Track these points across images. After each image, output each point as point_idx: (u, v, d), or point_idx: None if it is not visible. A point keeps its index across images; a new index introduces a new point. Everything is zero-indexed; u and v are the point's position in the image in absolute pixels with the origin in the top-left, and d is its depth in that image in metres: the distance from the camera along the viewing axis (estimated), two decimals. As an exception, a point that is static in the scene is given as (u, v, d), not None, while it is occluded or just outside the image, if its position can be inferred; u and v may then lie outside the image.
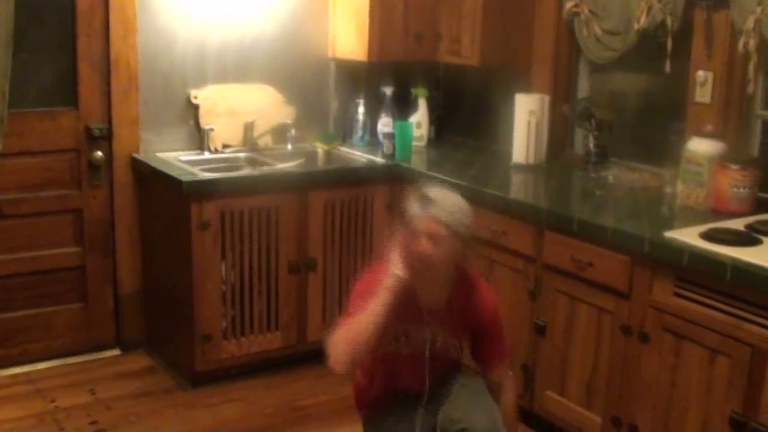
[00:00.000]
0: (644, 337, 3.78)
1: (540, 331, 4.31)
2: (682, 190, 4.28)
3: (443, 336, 3.50)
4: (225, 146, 5.34)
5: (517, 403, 3.80)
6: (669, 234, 3.73)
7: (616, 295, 3.91)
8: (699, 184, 4.19)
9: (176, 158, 5.12)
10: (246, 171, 5.14)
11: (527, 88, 5.29)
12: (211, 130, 5.27)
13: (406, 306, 3.36)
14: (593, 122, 4.90)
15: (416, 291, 3.40)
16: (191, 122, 5.31)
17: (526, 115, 5.07)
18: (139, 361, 5.28)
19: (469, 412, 3.48)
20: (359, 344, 3.28)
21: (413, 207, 3.30)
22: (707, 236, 3.66)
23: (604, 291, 3.97)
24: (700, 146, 4.23)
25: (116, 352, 5.36)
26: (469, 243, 3.42)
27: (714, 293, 3.51)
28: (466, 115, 5.96)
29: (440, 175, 4.84)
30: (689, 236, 3.68)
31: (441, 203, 3.29)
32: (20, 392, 4.84)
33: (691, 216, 4.10)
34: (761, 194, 4.17)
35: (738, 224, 3.87)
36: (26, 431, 4.48)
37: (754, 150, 4.39)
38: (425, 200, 3.29)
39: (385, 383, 3.60)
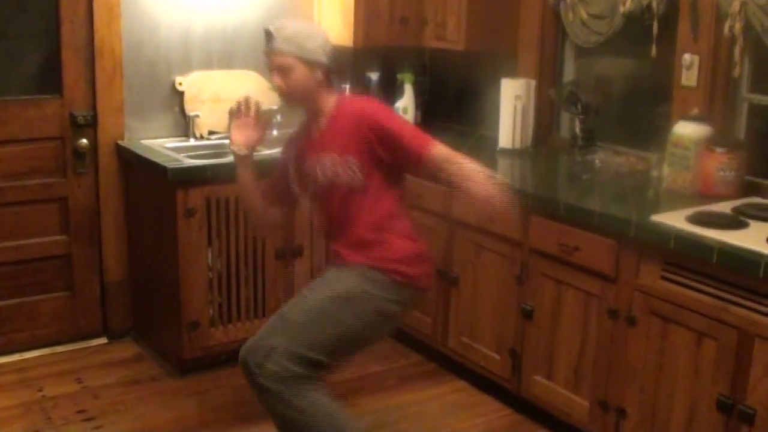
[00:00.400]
0: (631, 321, 3.79)
1: (527, 315, 4.31)
2: (668, 174, 4.28)
3: (330, 161, 3.53)
4: (211, 133, 5.32)
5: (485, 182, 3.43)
6: (655, 218, 3.73)
7: (603, 279, 3.91)
8: (685, 168, 4.19)
9: (161, 145, 5.11)
10: (232, 158, 5.11)
11: (513, 73, 5.28)
12: (197, 116, 5.25)
13: (299, 145, 3.68)
14: (579, 106, 4.89)
15: (307, 126, 3.66)
16: (176, 109, 5.30)
17: (512, 100, 5.07)
18: (127, 349, 5.27)
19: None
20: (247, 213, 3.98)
21: (263, 44, 3.52)
22: (694, 220, 3.66)
23: (591, 275, 3.96)
24: (687, 130, 4.23)
25: (103, 340, 5.35)
26: (323, 63, 3.53)
27: (701, 276, 3.51)
28: (452, 100, 5.95)
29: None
30: (676, 220, 3.68)
31: (280, 34, 3.48)
32: (7, 381, 4.83)
33: (677, 199, 4.10)
34: (748, 177, 4.18)
35: (725, 207, 3.88)
36: (13, 420, 4.46)
37: (741, 133, 4.39)
38: (267, 35, 3.50)
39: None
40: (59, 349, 5.21)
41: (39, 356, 5.14)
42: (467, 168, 3.43)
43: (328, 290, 3.52)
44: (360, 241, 3.55)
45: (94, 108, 5.07)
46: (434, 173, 3.52)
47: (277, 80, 3.51)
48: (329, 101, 3.58)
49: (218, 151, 5.18)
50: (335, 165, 3.52)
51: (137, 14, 5.11)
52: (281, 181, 3.79)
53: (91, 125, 5.08)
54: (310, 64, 3.49)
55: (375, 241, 3.54)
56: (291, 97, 3.57)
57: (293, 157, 3.71)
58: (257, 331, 3.58)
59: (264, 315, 4.95)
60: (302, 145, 3.67)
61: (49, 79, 5.01)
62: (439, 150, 3.47)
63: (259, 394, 3.48)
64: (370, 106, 3.62)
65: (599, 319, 3.96)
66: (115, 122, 5.13)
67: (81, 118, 5.04)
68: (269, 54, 3.51)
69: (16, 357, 5.09)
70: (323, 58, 3.52)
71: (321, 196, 3.63)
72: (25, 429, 4.38)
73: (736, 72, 4.21)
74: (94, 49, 5.02)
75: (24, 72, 4.99)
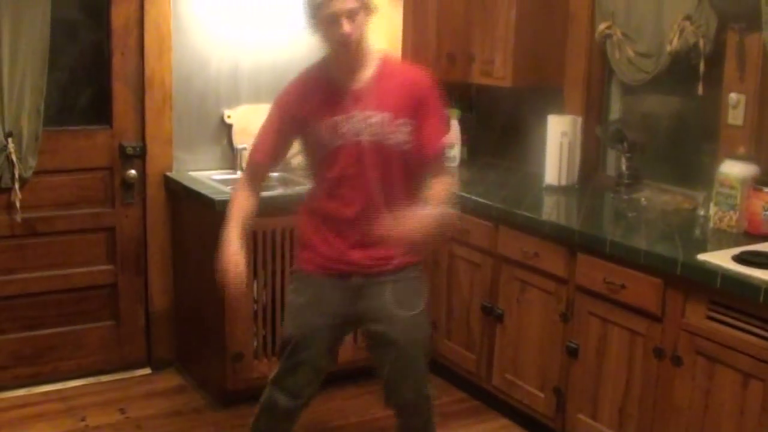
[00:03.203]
0: (677, 361, 3.76)
1: (572, 353, 4.29)
2: (714, 213, 4.25)
3: (379, 119, 3.47)
4: (257, 166, 5.35)
5: (445, 193, 3.56)
6: (702, 256, 3.70)
7: (649, 317, 3.88)
8: (732, 207, 4.16)
9: (209, 177, 5.15)
10: (278, 190, 5.13)
11: (560, 110, 5.28)
12: (244, 149, 5.28)
13: (330, 99, 3.50)
14: (625, 144, 4.88)
15: (341, 80, 3.52)
16: (224, 141, 5.34)
17: (558, 137, 5.06)
18: (170, 379, 5.30)
19: (392, 316, 3.60)
20: None
21: None
22: (740, 259, 3.63)
23: (637, 313, 3.94)
24: (733, 169, 4.20)
25: (147, 370, 5.38)
26: (376, 9, 3.50)
27: (747, 316, 3.48)
28: (498, 136, 5.95)
29: (472, 196, 4.85)
30: (722, 259, 3.66)
31: None
32: (51, 410, 4.86)
33: (723, 239, 4.08)
34: (795, 217, 4.15)
35: (771, 247, 3.86)
36: (56, 449, 4.50)
37: (788, 173, 4.37)
38: None
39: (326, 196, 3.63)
40: (103, 378, 5.24)
41: (83, 385, 5.16)
42: (444, 185, 3.55)
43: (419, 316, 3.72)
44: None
45: (143, 139, 5.13)
46: (420, 165, 3.55)
47: (347, 27, 3.35)
48: (374, 55, 3.55)
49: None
50: (385, 125, 3.48)
51: (188, 47, 5.17)
52: (279, 145, 3.69)
53: (139, 156, 5.14)
54: (369, 9, 3.44)
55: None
56: (358, 45, 3.45)
57: (312, 113, 3.55)
58: (407, 383, 3.75)
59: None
60: (329, 100, 3.53)
61: (100, 110, 5.08)
62: (445, 152, 3.58)
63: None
64: (425, 77, 3.61)
65: (645, 358, 3.93)
66: (163, 153, 5.18)
67: (130, 148, 5.09)
68: (334, 3, 3.33)
69: (60, 385, 5.12)
70: (374, 7, 3.49)
71: (352, 162, 3.52)
72: (68, 457, 4.41)
73: (784, 111, 4.19)
74: (145, 80, 5.08)
75: (75, 102, 5.07)
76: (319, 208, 3.66)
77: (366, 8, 3.43)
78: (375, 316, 3.66)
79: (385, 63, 3.58)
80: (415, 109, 3.51)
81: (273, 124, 3.67)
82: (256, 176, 3.75)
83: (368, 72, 3.53)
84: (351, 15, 3.36)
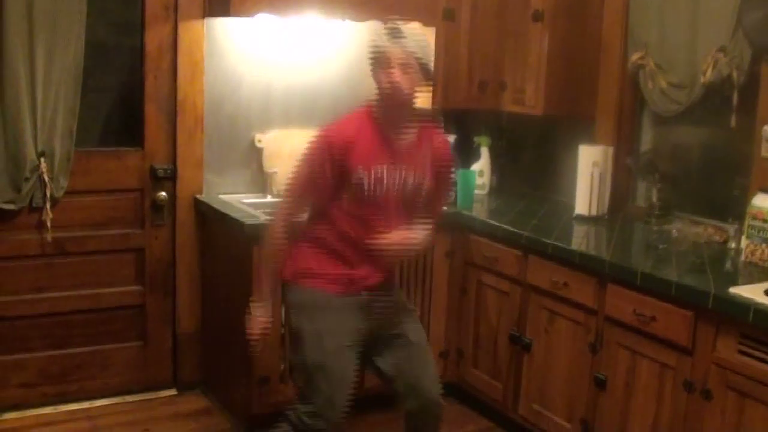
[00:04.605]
0: (707, 395, 3.72)
1: (600, 385, 4.26)
2: (746, 246, 4.23)
3: (415, 175, 3.72)
4: (287, 190, 5.36)
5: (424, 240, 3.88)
6: (734, 290, 3.68)
7: (679, 350, 3.85)
8: (764, 241, 4.13)
9: (239, 200, 5.16)
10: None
11: (591, 139, 5.27)
12: (275, 173, 5.29)
13: (377, 148, 3.64)
14: (657, 175, 4.87)
15: (387, 131, 3.67)
16: (254, 165, 5.35)
17: (589, 167, 5.04)
18: (196, 401, 5.29)
19: (401, 320, 3.92)
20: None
21: (383, 39, 3.56)
22: (773, 293, 3.61)
23: (667, 346, 3.91)
24: (766, 202, 4.18)
25: (173, 391, 5.37)
26: (431, 79, 3.72)
27: (780, 352, 3.46)
28: (528, 165, 5.95)
29: (502, 224, 4.84)
30: (754, 293, 3.62)
31: (411, 37, 3.56)
32: (77, 429, 4.87)
33: (756, 272, 4.05)
34: (828, 252, 4.12)
35: (804, 282, 3.82)
36: (81, 468, 4.51)
37: (821, 207, 4.34)
38: (396, 33, 3.55)
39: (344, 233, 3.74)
40: (129, 398, 5.24)
41: (109, 404, 5.17)
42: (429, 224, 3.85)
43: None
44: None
45: (174, 161, 5.15)
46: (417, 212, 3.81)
47: (398, 76, 3.53)
48: (419, 118, 3.75)
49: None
50: (419, 183, 3.73)
51: (220, 71, 5.19)
52: (326, 186, 3.70)
53: (170, 178, 5.16)
54: (426, 72, 3.62)
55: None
56: (405, 97, 3.61)
57: (361, 159, 3.63)
58: (427, 376, 3.94)
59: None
60: (378, 151, 3.66)
61: (132, 132, 5.10)
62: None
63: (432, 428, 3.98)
64: (449, 147, 3.98)
65: (674, 391, 3.90)
66: (194, 176, 5.20)
67: (161, 171, 5.12)
68: (393, 51, 3.53)
69: (86, 404, 5.13)
70: (432, 73, 3.68)
71: (384, 207, 3.70)
72: (93, 478, 4.42)
73: (817, 144, 4.17)
74: (177, 103, 5.10)
75: (107, 124, 5.10)
76: (334, 238, 3.75)
77: (425, 70, 3.61)
78: (388, 324, 3.87)
79: (425, 127, 3.80)
80: (437, 174, 3.82)
81: (321, 166, 3.66)
82: (298, 214, 3.75)
83: (412, 131, 3.74)
84: (405, 67, 3.54)
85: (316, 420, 3.75)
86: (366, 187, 3.64)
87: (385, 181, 3.65)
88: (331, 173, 3.65)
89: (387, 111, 3.67)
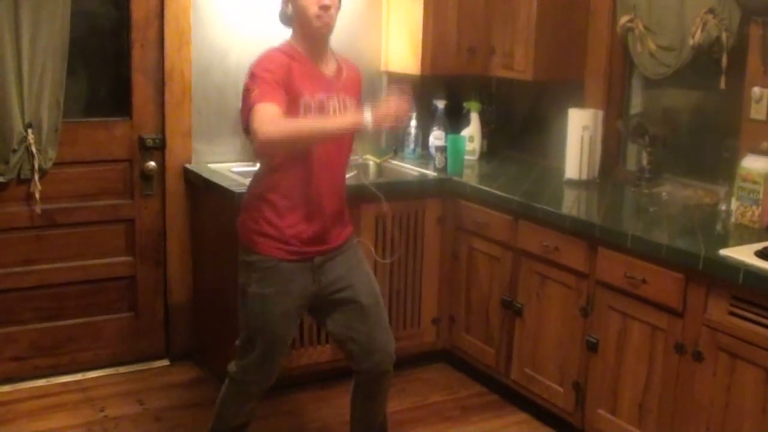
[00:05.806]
0: (698, 356, 3.74)
1: (592, 348, 4.27)
2: (736, 208, 4.22)
3: (348, 101, 3.74)
4: (277, 158, 5.34)
5: None
6: (724, 252, 3.68)
7: (670, 312, 3.86)
8: (754, 202, 4.13)
9: (228, 169, 5.14)
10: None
11: (580, 103, 5.26)
12: (263, 142, 5.27)
13: (313, 77, 3.65)
14: (647, 138, 4.86)
15: (315, 61, 3.69)
16: (243, 134, 5.32)
17: (579, 130, 5.03)
18: (188, 371, 5.30)
19: (351, 282, 3.84)
20: (297, 139, 3.52)
21: None
22: (763, 254, 3.60)
23: (658, 308, 3.92)
24: (756, 164, 4.18)
25: (165, 362, 5.38)
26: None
27: (770, 312, 3.46)
28: (518, 130, 5.94)
29: (492, 190, 4.83)
30: (744, 254, 3.63)
31: None
32: (70, 400, 4.87)
33: (746, 234, 4.05)
34: (819, 213, 4.12)
35: (794, 243, 3.82)
36: (75, 440, 4.51)
37: (811, 168, 4.33)
38: None
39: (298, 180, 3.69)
40: (122, 369, 5.25)
41: (101, 376, 5.17)
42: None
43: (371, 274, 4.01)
44: (344, 210, 3.90)
45: (163, 131, 5.13)
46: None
47: (331, 5, 3.59)
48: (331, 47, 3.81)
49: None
50: (355, 108, 3.72)
51: (207, 40, 5.17)
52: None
53: (159, 148, 5.14)
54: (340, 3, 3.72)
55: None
56: (329, 30, 3.66)
57: (303, 86, 3.60)
58: (382, 333, 3.93)
59: (326, 341, 4.94)
60: (313, 78, 3.66)
61: (119, 102, 5.08)
62: None
63: (386, 385, 4.01)
64: (359, 72, 3.99)
65: (665, 353, 3.91)
66: (182, 146, 5.18)
67: (149, 140, 5.10)
68: None
69: (79, 376, 5.13)
70: None
71: (332, 144, 3.69)
72: (87, 449, 4.42)
73: (808, 106, 4.16)
74: (164, 73, 5.08)
75: (94, 94, 5.08)
76: (287, 192, 3.70)
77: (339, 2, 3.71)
78: (337, 287, 3.83)
79: (338, 56, 3.85)
80: (358, 99, 3.86)
81: (275, 87, 3.53)
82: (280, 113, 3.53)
83: (332, 60, 3.78)
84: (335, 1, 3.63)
85: (248, 374, 3.87)
86: (313, 114, 3.61)
87: (329, 109, 3.64)
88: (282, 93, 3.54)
89: (312, 42, 3.68)
